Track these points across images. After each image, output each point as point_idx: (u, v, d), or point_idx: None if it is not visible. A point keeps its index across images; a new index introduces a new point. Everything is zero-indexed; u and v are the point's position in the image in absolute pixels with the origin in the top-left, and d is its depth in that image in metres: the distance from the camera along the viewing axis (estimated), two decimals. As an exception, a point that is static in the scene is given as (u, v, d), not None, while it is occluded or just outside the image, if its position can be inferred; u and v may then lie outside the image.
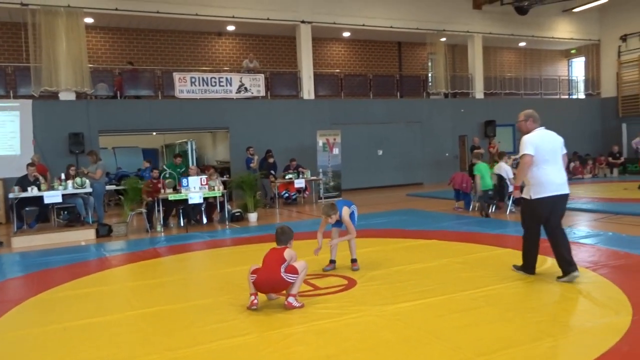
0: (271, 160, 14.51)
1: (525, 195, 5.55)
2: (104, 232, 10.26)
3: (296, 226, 7.61)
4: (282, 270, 4.78)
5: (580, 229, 8.48)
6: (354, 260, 6.34)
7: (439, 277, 5.76)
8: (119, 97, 15.02)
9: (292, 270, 4.84)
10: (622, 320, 4.13)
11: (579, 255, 6.48)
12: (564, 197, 5.43)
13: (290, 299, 4.84)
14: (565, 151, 5.56)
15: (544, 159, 5.33)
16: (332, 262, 6.34)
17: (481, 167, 10.70)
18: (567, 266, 5.36)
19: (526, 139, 5.43)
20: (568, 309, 4.61)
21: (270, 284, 4.83)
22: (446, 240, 7.92)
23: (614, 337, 3.81)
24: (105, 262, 7.72)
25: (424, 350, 3.77)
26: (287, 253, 4.91)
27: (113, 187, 13.95)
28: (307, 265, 5.01)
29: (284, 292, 4.95)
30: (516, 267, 5.79)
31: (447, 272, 5.98)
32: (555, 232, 5.43)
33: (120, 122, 14.64)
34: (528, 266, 5.65)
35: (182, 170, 12.37)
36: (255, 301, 4.83)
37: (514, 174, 10.83)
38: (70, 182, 10.29)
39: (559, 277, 5.41)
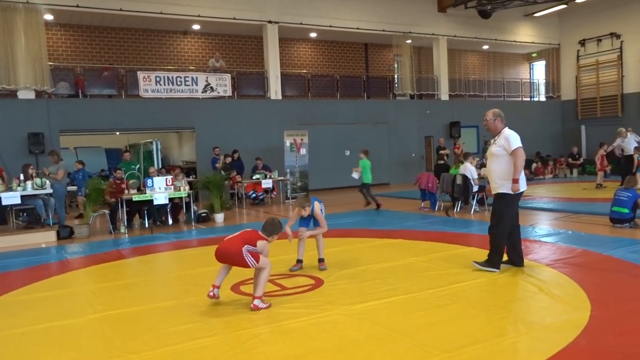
0: (228, 159, 14.38)
1: (505, 191, 5.67)
2: (65, 234, 10.01)
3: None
4: (244, 248, 4.74)
5: (541, 228, 8.70)
6: (321, 260, 6.35)
7: (405, 276, 5.82)
8: (80, 96, 14.66)
9: (255, 255, 4.78)
10: (581, 316, 4.25)
11: (541, 253, 6.67)
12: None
13: (256, 302, 4.79)
14: None
15: None
16: (299, 261, 6.33)
17: (364, 163, 11.87)
18: (520, 260, 5.92)
19: (512, 133, 5.69)
20: (530, 306, 4.72)
21: (226, 252, 4.81)
22: (412, 240, 8.01)
23: (574, 332, 3.92)
24: (67, 265, 7.52)
25: (390, 348, 3.80)
26: (261, 242, 4.89)
27: (75, 187, 13.59)
28: (270, 264, 4.92)
29: (252, 292, 4.91)
30: (480, 264, 5.88)
31: (413, 271, 6.05)
32: (517, 228, 5.91)
33: (82, 121, 14.29)
34: (495, 261, 5.79)
35: (137, 166, 12.13)
36: (211, 293, 4.87)
37: (479, 174, 11.10)
38: (29, 183, 9.99)
39: (504, 262, 5.88)
